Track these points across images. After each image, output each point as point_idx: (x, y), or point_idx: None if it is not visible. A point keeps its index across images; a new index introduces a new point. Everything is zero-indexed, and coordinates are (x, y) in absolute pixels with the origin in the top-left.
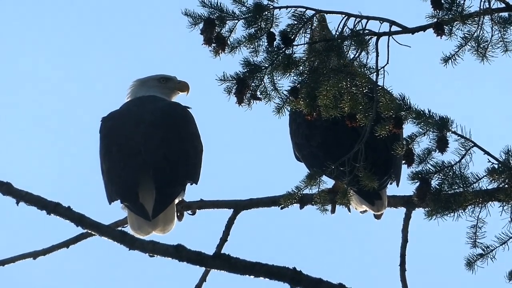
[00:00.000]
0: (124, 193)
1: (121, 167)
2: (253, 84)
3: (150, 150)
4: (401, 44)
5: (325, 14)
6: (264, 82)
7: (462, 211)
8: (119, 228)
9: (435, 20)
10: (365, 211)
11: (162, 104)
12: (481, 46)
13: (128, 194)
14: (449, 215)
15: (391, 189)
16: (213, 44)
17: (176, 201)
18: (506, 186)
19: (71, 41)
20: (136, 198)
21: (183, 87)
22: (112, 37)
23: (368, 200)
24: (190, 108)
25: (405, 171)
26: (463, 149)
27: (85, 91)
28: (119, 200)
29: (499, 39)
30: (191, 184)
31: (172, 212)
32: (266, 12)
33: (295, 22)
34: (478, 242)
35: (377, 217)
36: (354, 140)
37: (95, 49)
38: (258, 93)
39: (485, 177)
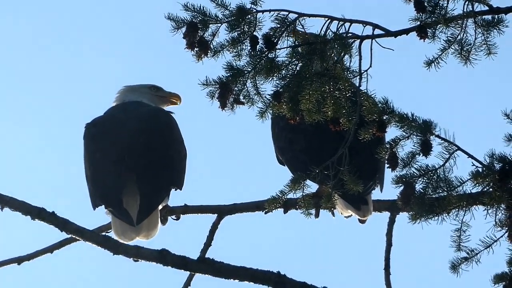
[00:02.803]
0: (108, 198)
1: (105, 173)
2: (236, 88)
3: (134, 156)
4: (384, 48)
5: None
6: (247, 86)
7: (446, 214)
8: (103, 233)
9: (418, 23)
10: (350, 215)
11: (146, 109)
12: (465, 49)
13: (112, 199)
14: (433, 218)
15: (375, 194)
16: (195, 48)
17: (160, 206)
18: (491, 189)
19: (56, 43)
20: (120, 203)
21: (175, 97)
22: (93, 43)
23: (354, 205)
24: (173, 113)
25: (389, 175)
26: (446, 153)
27: (69, 95)
28: (103, 205)
29: (483, 42)
30: (175, 190)
31: (156, 218)
32: (249, 16)
33: (278, 26)
34: (463, 246)
35: (362, 221)
36: (339, 144)
37: (78, 53)
38: (241, 97)
39: (469, 181)
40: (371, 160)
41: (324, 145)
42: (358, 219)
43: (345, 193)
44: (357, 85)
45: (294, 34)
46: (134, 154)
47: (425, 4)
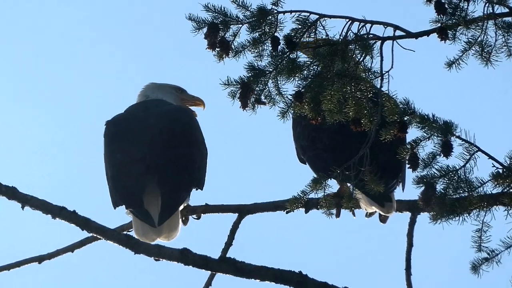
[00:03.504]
0: (129, 199)
1: (125, 173)
2: (257, 88)
3: (155, 156)
4: (405, 49)
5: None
6: (268, 87)
7: (467, 215)
8: (125, 232)
9: (439, 25)
10: (372, 214)
11: (167, 108)
12: (485, 50)
13: (133, 200)
14: (454, 219)
15: (396, 194)
16: (217, 49)
17: (181, 207)
18: (511, 190)
19: (76, 42)
20: (141, 204)
21: (199, 102)
22: (115, 40)
23: (378, 202)
24: (194, 112)
25: (410, 175)
26: (467, 154)
27: (89, 93)
28: (124, 205)
29: (503, 44)
30: (196, 189)
31: (177, 219)
32: (270, 17)
33: (299, 27)
34: (483, 246)
35: (383, 221)
36: (362, 142)
37: (101, 52)
38: (263, 97)
39: (489, 182)
40: (395, 158)
41: (347, 144)
42: (379, 218)
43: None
44: (379, 86)
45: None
46: (155, 153)
47: (446, 6)
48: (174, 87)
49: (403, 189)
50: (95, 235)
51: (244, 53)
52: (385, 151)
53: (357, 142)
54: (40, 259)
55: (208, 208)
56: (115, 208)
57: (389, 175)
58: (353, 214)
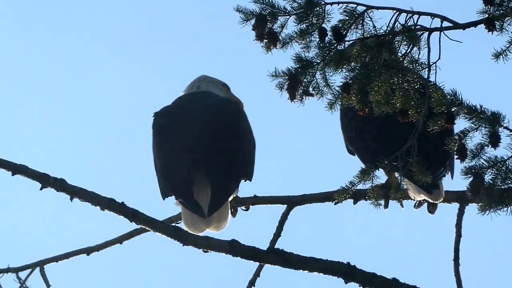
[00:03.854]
0: (179, 190)
1: (175, 164)
2: (305, 80)
3: (204, 147)
4: (453, 40)
5: None
6: (316, 78)
7: None
8: (173, 224)
9: (486, 15)
10: (420, 205)
11: (215, 100)
12: None
13: (183, 191)
14: (502, 210)
15: (445, 185)
16: (264, 40)
17: (230, 198)
18: None
19: (126, 36)
20: (191, 195)
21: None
22: (162, 33)
23: (426, 189)
24: (242, 103)
25: (459, 166)
26: None
27: (136, 85)
28: (173, 196)
29: None
30: (245, 181)
31: (226, 210)
32: (318, 8)
33: (347, 18)
34: None
35: (431, 211)
36: (409, 132)
37: (146, 44)
38: (310, 89)
39: None
40: (442, 146)
41: (395, 134)
42: (428, 208)
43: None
44: (426, 77)
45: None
46: (204, 145)
47: None
48: (222, 83)
49: (452, 177)
50: (143, 226)
51: (292, 44)
52: (432, 140)
53: (404, 132)
54: (88, 250)
55: (257, 200)
56: (164, 199)
57: (436, 163)
58: (401, 205)
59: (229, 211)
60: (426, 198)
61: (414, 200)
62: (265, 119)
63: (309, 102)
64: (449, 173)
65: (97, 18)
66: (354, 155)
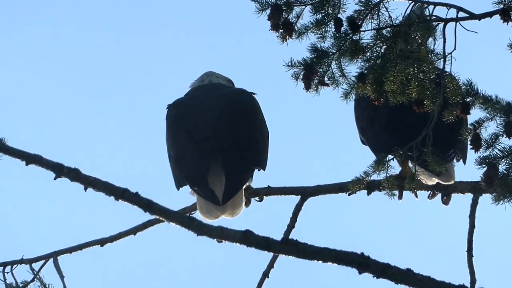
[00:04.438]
0: (194, 178)
1: (190, 153)
2: (320, 69)
3: (218, 137)
4: (468, 30)
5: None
6: (331, 68)
7: None
8: (188, 214)
9: (502, 6)
10: (434, 195)
11: (228, 90)
12: None
13: (198, 179)
14: None
15: (458, 176)
16: (280, 30)
17: (244, 187)
18: None
19: (136, 28)
20: (206, 183)
21: None
22: (173, 26)
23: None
24: (256, 94)
25: (473, 156)
26: None
27: (149, 78)
28: (187, 186)
29: None
30: (258, 170)
31: (241, 196)
32: None
33: (362, 8)
34: None
35: (445, 202)
36: (420, 119)
37: (157, 35)
38: (326, 78)
39: None
40: (449, 129)
41: (404, 122)
42: (442, 200)
43: (424, 161)
44: (441, 67)
45: None
46: (219, 134)
47: None
48: (227, 78)
49: (464, 162)
50: (157, 217)
51: (307, 34)
52: (439, 122)
53: (414, 120)
54: (102, 242)
55: (271, 191)
56: (178, 189)
57: (444, 145)
58: (416, 195)
59: (243, 197)
60: (437, 180)
61: (427, 190)
62: (279, 109)
63: (324, 92)
64: (462, 159)
65: (102, 13)
66: (366, 145)
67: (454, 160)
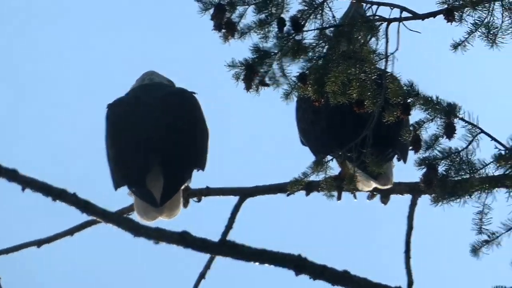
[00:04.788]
0: (132, 178)
1: (129, 153)
2: (261, 70)
3: (158, 137)
4: (411, 30)
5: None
6: (273, 68)
7: (469, 197)
8: (125, 215)
9: (446, 6)
10: (373, 195)
11: (169, 90)
12: (491, 32)
13: (136, 179)
14: (455, 201)
15: (397, 176)
16: (223, 30)
17: (183, 187)
18: None
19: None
20: (144, 184)
21: None
22: (115, 27)
23: (374, 176)
24: (196, 93)
25: (412, 157)
26: (470, 136)
27: (88, 77)
28: (125, 186)
29: (510, 25)
30: (197, 171)
31: (178, 198)
32: None
33: (306, 8)
34: (484, 229)
35: (384, 202)
36: (359, 122)
37: (99, 34)
38: (267, 79)
39: (492, 163)
40: (388, 129)
41: (344, 124)
42: (380, 200)
43: (363, 162)
44: (383, 67)
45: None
46: (158, 134)
47: None
48: (168, 80)
49: (404, 161)
50: (95, 218)
51: (250, 34)
52: (379, 123)
53: (355, 121)
54: (39, 243)
55: (209, 191)
56: (116, 189)
57: (381, 145)
58: (355, 196)
59: (181, 199)
60: (375, 185)
61: (367, 191)
62: (220, 109)
63: (265, 93)
64: (402, 158)
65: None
66: (306, 146)
67: (394, 162)
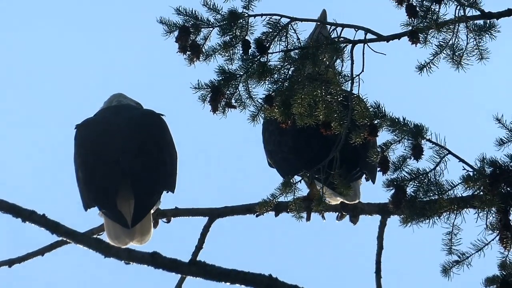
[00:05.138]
0: (103, 200)
1: (99, 175)
2: (228, 92)
3: (127, 159)
4: (376, 52)
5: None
6: (239, 90)
7: (438, 218)
8: (95, 236)
9: (410, 28)
10: (343, 216)
11: (137, 111)
12: (456, 54)
13: (106, 201)
14: (424, 222)
15: (366, 197)
16: (188, 52)
17: (153, 210)
18: (481, 193)
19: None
20: (114, 205)
21: None
22: (80, 46)
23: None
24: (164, 115)
25: (381, 178)
26: (438, 157)
27: (59, 95)
28: (95, 207)
29: (474, 47)
30: (167, 192)
31: (149, 222)
32: (241, 20)
33: (270, 30)
34: (454, 249)
35: (353, 222)
36: (325, 142)
37: (67, 54)
38: (233, 101)
39: (460, 184)
40: (353, 149)
41: (310, 144)
42: (350, 219)
43: (331, 183)
44: (349, 89)
45: None
46: (127, 156)
47: (417, 9)
48: (137, 102)
49: (373, 181)
50: (65, 238)
51: (215, 56)
52: (345, 144)
53: (320, 141)
54: (10, 262)
55: (178, 212)
56: (86, 210)
57: (348, 164)
58: (323, 217)
59: (152, 224)
60: (342, 200)
61: (335, 212)
62: (187, 131)
63: (231, 114)
64: (370, 178)
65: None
66: (274, 168)
67: (363, 180)
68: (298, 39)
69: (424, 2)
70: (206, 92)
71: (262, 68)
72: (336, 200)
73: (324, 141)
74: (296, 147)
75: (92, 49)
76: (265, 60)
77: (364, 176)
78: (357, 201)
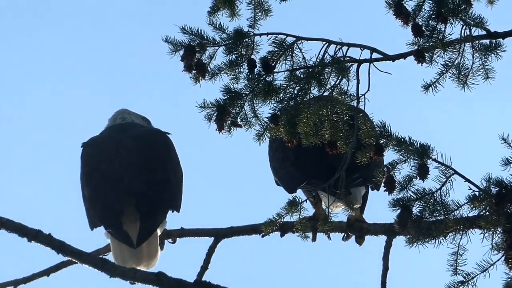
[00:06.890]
0: (108, 219)
1: (104, 194)
2: (233, 111)
3: (133, 177)
4: (382, 71)
5: None
6: (244, 109)
7: (443, 238)
8: (101, 256)
9: (416, 47)
10: (348, 236)
11: (143, 130)
12: (462, 73)
13: (112, 220)
14: (430, 242)
15: (372, 217)
16: (193, 71)
17: (159, 231)
18: (487, 213)
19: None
20: (120, 225)
21: None
22: (86, 68)
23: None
24: (170, 134)
25: (386, 198)
26: (443, 177)
27: (64, 116)
28: (101, 226)
29: (480, 67)
30: (172, 212)
31: (156, 246)
32: (247, 39)
33: (276, 49)
34: (459, 269)
35: (359, 242)
36: (327, 155)
37: (76, 76)
38: (239, 120)
39: (466, 204)
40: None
41: (311, 158)
42: (356, 240)
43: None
44: (355, 108)
45: None
46: (133, 175)
47: (423, 28)
48: (142, 116)
49: (378, 189)
50: (70, 258)
51: (221, 75)
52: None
53: (321, 154)
54: (15, 283)
55: (184, 232)
56: (92, 229)
57: (347, 171)
58: (329, 237)
59: (158, 247)
60: (342, 206)
61: (341, 232)
62: (193, 150)
63: (237, 134)
64: (375, 186)
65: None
66: (280, 186)
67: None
68: (304, 58)
69: (430, 21)
70: (212, 111)
71: (268, 87)
72: (338, 206)
73: (326, 152)
74: (297, 160)
75: (100, 69)
76: (271, 79)
77: (369, 186)
78: (357, 205)
